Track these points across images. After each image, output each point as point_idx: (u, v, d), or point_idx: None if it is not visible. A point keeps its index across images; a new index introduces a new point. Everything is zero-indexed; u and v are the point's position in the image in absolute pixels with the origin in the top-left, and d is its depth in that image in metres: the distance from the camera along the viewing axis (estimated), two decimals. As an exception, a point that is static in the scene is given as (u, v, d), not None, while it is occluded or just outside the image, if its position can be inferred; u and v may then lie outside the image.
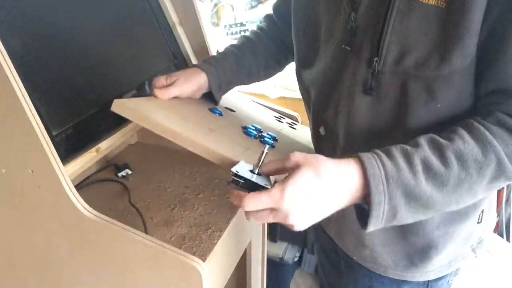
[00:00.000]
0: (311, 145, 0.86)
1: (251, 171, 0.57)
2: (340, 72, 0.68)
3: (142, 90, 0.86)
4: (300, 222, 0.52)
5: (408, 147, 0.56)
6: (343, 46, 0.66)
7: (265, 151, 0.57)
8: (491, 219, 0.78)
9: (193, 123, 0.72)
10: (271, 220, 0.52)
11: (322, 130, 0.75)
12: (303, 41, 0.77)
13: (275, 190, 0.50)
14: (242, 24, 2.04)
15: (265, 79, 0.97)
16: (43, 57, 0.71)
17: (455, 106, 0.62)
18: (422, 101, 0.61)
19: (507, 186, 1.62)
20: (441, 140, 0.56)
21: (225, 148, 0.67)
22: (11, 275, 0.82)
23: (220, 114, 0.84)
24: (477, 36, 0.56)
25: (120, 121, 0.81)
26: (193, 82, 0.82)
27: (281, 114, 1.11)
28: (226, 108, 0.92)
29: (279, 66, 0.97)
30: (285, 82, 1.69)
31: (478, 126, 0.56)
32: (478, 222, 0.74)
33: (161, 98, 0.77)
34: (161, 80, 0.80)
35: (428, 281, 0.77)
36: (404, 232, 0.72)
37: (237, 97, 1.04)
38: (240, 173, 0.55)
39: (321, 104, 0.74)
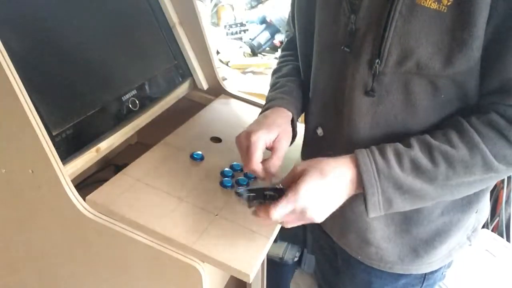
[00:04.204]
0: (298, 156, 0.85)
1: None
2: (339, 73, 0.68)
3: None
4: (318, 214, 0.60)
5: (401, 147, 0.62)
6: (342, 47, 0.66)
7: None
8: (485, 209, 0.82)
9: (161, 197, 0.72)
10: (297, 221, 0.61)
11: (320, 131, 0.75)
12: (303, 43, 0.77)
13: (290, 193, 0.58)
14: (242, 24, 2.04)
15: None
16: (43, 57, 0.71)
17: (459, 102, 0.63)
18: (425, 97, 0.62)
19: (507, 186, 1.62)
20: (432, 141, 0.61)
21: (184, 231, 0.66)
22: (11, 274, 0.82)
23: (201, 159, 0.83)
24: (481, 40, 0.56)
25: (120, 121, 0.81)
26: (290, 134, 0.74)
27: None
28: (212, 138, 0.91)
29: None
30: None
31: (468, 128, 0.60)
32: (475, 212, 0.77)
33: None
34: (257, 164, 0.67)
35: (425, 273, 0.79)
36: (408, 224, 0.73)
37: (232, 108, 1.03)
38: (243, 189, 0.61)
39: (319, 105, 0.74)
